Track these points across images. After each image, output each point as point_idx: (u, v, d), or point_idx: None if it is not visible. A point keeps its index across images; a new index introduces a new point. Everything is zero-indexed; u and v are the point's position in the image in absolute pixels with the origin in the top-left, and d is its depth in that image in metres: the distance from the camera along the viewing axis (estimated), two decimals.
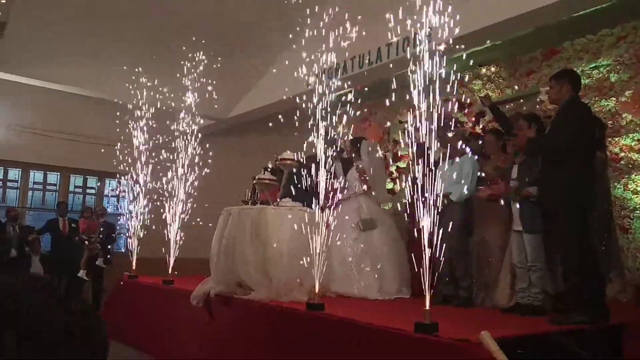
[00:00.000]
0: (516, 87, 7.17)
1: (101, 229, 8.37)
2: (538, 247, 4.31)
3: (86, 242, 8.09)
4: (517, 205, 4.36)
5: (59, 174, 9.53)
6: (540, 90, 6.89)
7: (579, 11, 5.14)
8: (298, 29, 4.87)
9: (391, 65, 6.44)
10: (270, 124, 5.62)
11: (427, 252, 3.07)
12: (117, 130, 6.89)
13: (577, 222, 3.80)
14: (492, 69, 7.47)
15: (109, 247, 8.63)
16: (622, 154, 6.09)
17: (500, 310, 4.53)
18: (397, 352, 3.06)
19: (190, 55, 6.32)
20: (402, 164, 8.02)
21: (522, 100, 7.18)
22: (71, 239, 8.36)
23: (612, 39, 6.27)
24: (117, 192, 8.85)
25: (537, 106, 6.85)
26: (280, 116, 4.98)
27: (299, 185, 4.45)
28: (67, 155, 8.95)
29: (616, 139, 6.13)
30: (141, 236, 6.52)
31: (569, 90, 3.94)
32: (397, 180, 7.70)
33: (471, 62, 4.55)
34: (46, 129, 8.77)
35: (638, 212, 6.01)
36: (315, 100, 4.06)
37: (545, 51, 6.85)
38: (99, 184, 10.02)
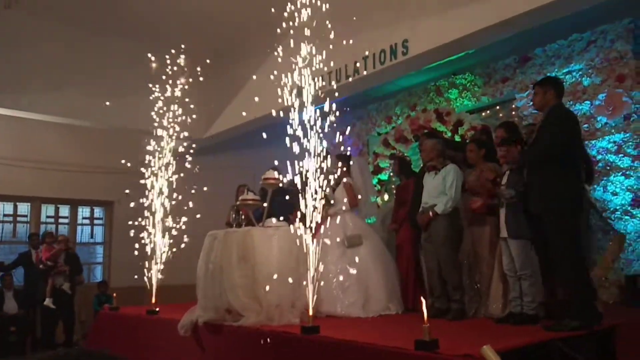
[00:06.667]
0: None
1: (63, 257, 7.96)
2: (525, 254, 4.27)
3: (51, 266, 7.63)
4: (503, 212, 4.34)
5: (29, 204, 9.18)
6: (515, 97, 6.97)
7: (552, 18, 5.21)
8: (275, 44, 4.80)
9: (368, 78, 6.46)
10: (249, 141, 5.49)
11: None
12: (89, 155, 6.68)
13: (568, 228, 3.79)
14: (467, 77, 7.54)
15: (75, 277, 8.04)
16: (600, 157, 6.18)
17: (493, 320, 4.48)
18: None
19: (165, 74, 6.17)
20: (383, 176, 7.99)
21: (497, 107, 7.26)
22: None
23: (582, 43, 6.40)
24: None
25: (513, 112, 6.93)
26: (264, 133, 4.85)
27: (285, 201, 4.34)
28: (38, 184, 8.63)
29: (593, 142, 6.22)
30: (120, 264, 6.30)
31: (553, 96, 3.96)
32: (380, 193, 7.65)
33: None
34: (14, 158, 8.45)
35: (618, 213, 6.09)
36: (294, 115, 4.00)
37: (519, 58, 6.94)
38: (71, 212, 9.66)
